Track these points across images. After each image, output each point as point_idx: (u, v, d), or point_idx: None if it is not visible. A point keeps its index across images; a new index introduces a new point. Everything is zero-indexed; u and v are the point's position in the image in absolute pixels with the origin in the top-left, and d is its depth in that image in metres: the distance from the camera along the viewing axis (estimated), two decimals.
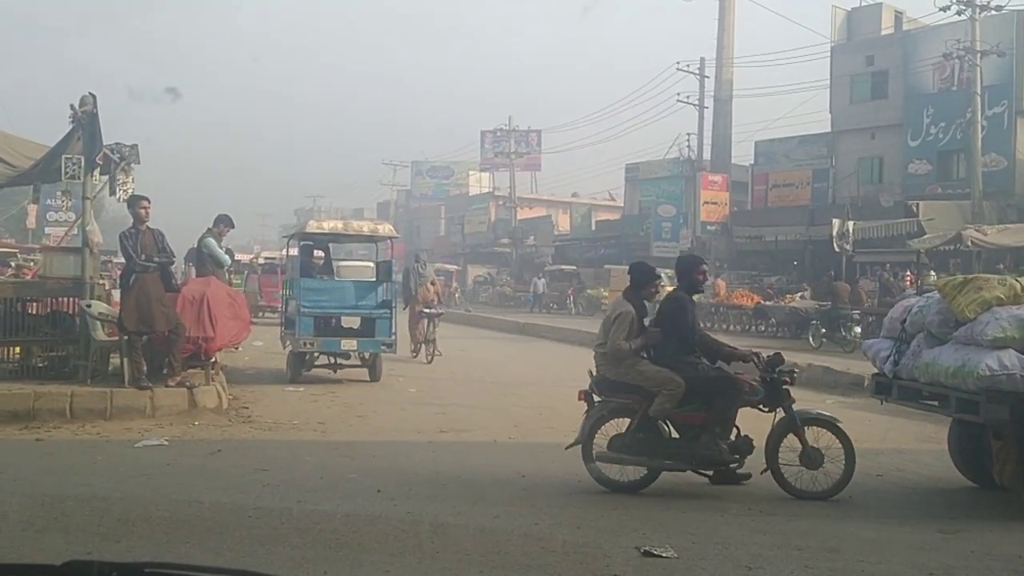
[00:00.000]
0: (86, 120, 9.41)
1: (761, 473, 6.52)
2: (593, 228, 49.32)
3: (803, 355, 14.86)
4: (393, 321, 12.66)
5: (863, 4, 34.54)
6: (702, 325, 8.30)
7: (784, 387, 6.67)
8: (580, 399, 6.79)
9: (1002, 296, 6.27)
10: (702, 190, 35.22)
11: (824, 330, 19.87)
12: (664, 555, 4.76)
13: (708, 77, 38.13)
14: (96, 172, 9.64)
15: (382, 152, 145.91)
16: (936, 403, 6.88)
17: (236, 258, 18.44)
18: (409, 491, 6.27)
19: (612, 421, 6.66)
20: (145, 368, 9.12)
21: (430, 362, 15.33)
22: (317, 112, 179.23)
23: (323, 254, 13.91)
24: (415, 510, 5.71)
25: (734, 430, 6.60)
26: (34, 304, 10.18)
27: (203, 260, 11.65)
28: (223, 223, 11.95)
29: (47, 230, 33.57)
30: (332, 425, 9.12)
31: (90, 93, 9.51)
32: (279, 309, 17.34)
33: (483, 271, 48.42)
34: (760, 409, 6.71)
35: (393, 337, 12.60)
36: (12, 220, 33.48)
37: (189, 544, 4.68)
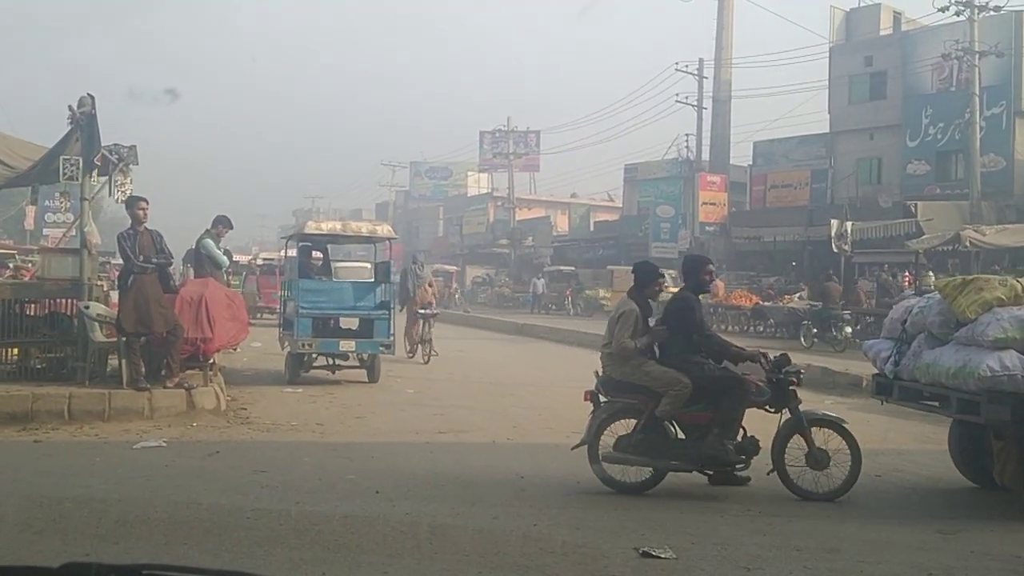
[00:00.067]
0: (84, 121, 9.40)
1: (767, 474, 6.51)
2: (592, 229, 49.33)
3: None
4: (391, 322, 12.67)
5: (862, 5, 34.56)
6: None
7: (791, 388, 6.66)
8: (586, 399, 6.78)
9: (1003, 297, 6.28)
10: (701, 191, 35.18)
11: (815, 330, 20.16)
12: (663, 556, 4.76)
13: (707, 78, 38.19)
14: (94, 173, 9.63)
15: (381, 153, 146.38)
16: (937, 404, 6.88)
17: (234, 259, 18.47)
18: (407, 492, 6.26)
19: (618, 422, 6.66)
20: (143, 369, 9.11)
21: (427, 362, 15.32)
22: (316, 113, 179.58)
23: (321, 255, 13.91)
24: (413, 511, 5.70)
25: (740, 431, 6.59)
26: (32, 305, 10.16)
27: (201, 261, 11.64)
28: (221, 224, 11.94)
29: (45, 231, 33.54)
30: (330, 426, 9.11)
31: (88, 94, 9.50)
32: (277, 310, 17.36)
33: (482, 272, 48.43)
34: (766, 410, 6.70)
35: (391, 338, 12.60)
36: (10, 221, 33.42)
37: (187, 546, 4.66)
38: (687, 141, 40.07)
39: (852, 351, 17.27)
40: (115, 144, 9.66)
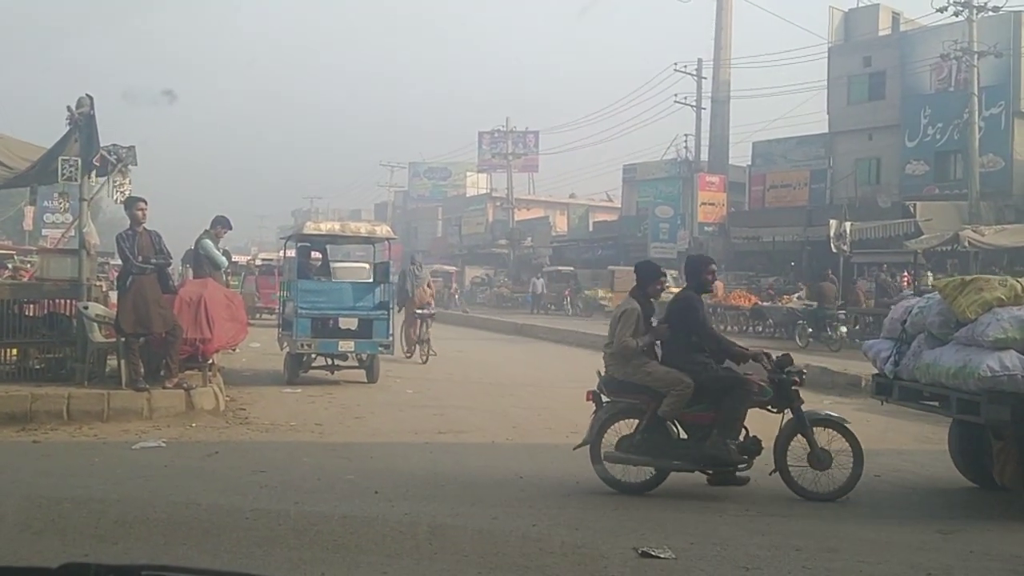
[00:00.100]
0: (83, 122, 9.40)
1: (770, 474, 6.51)
2: (591, 229, 49.34)
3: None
4: (390, 322, 12.67)
5: (860, 5, 34.59)
6: None
7: (793, 388, 6.65)
8: (588, 399, 6.77)
9: (1003, 297, 6.28)
10: (699, 191, 35.20)
11: (811, 329, 20.31)
12: (662, 556, 4.75)
13: (705, 78, 38.16)
14: (93, 174, 9.64)
15: (380, 153, 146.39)
16: (937, 404, 6.88)
17: (233, 259, 18.46)
18: (407, 492, 6.25)
19: (620, 422, 6.65)
20: (142, 370, 9.10)
21: (425, 362, 15.34)
22: (315, 113, 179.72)
23: (320, 256, 13.90)
24: (413, 511, 5.69)
25: (743, 431, 6.59)
26: (31, 306, 10.16)
27: (200, 262, 11.63)
28: (220, 224, 11.93)
29: (44, 232, 33.49)
30: (329, 426, 9.10)
31: (87, 95, 9.50)
32: (276, 310, 17.35)
33: (481, 272, 48.42)
34: (769, 410, 6.69)
35: (390, 338, 12.61)
36: (9, 222, 33.41)
37: (186, 546, 4.66)
38: (686, 141, 40.09)
39: (847, 351, 17.31)
40: (114, 145, 9.66)
